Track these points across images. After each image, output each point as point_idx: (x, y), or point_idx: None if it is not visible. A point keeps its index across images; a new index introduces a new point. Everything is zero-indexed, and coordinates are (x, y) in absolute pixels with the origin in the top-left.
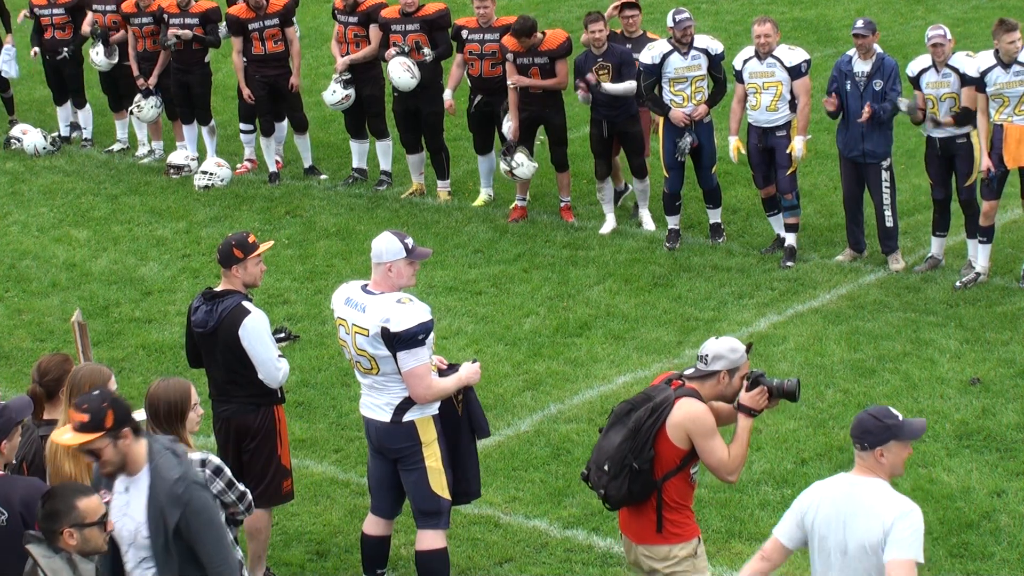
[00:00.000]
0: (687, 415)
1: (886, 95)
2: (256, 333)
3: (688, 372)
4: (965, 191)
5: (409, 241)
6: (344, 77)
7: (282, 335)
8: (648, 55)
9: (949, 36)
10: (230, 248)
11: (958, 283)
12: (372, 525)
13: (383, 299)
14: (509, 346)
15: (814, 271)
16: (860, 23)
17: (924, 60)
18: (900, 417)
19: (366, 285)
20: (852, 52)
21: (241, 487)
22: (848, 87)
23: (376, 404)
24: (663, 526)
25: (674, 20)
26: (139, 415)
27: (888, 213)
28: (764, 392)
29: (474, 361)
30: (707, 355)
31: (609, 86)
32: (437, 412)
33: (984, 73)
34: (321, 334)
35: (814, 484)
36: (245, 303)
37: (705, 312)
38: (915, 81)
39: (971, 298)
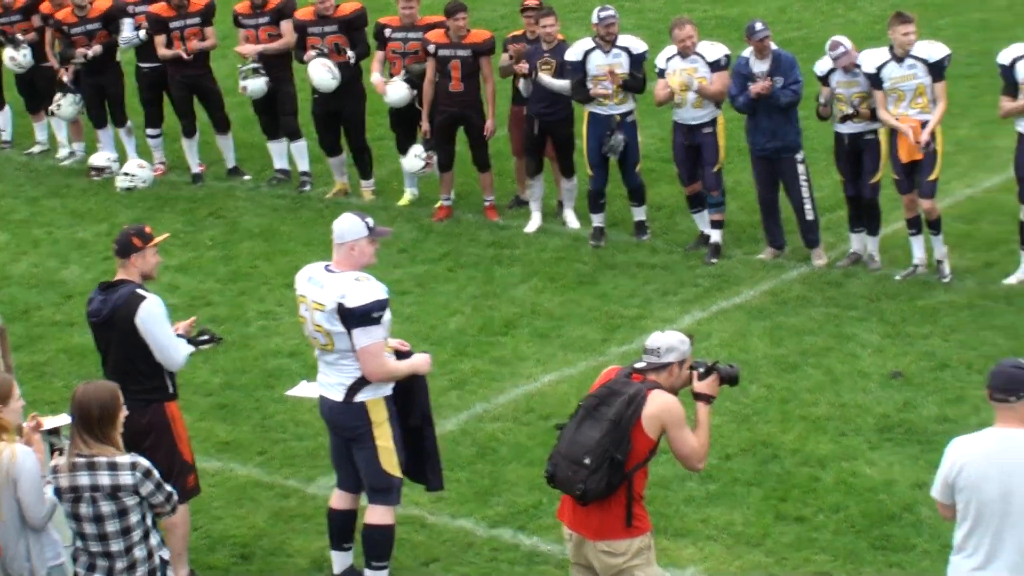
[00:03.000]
0: (662, 407)
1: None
2: (153, 317)
3: (640, 366)
4: (870, 188)
5: (370, 220)
6: (253, 65)
7: (205, 337)
8: (572, 52)
9: (849, 46)
10: (129, 238)
11: (897, 276)
12: (337, 499)
13: (342, 276)
14: (434, 345)
15: (737, 267)
16: (760, 25)
17: (829, 61)
18: None
19: (328, 265)
20: (748, 53)
21: (168, 488)
22: (750, 87)
23: (330, 383)
24: (632, 519)
25: (598, 17)
26: (61, 420)
27: (808, 207)
28: (717, 379)
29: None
30: (659, 348)
31: (546, 78)
32: (390, 394)
33: (880, 68)
34: (245, 336)
35: (955, 442)
36: (139, 290)
37: (630, 309)
38: (824, 80)
39: (892, 292)
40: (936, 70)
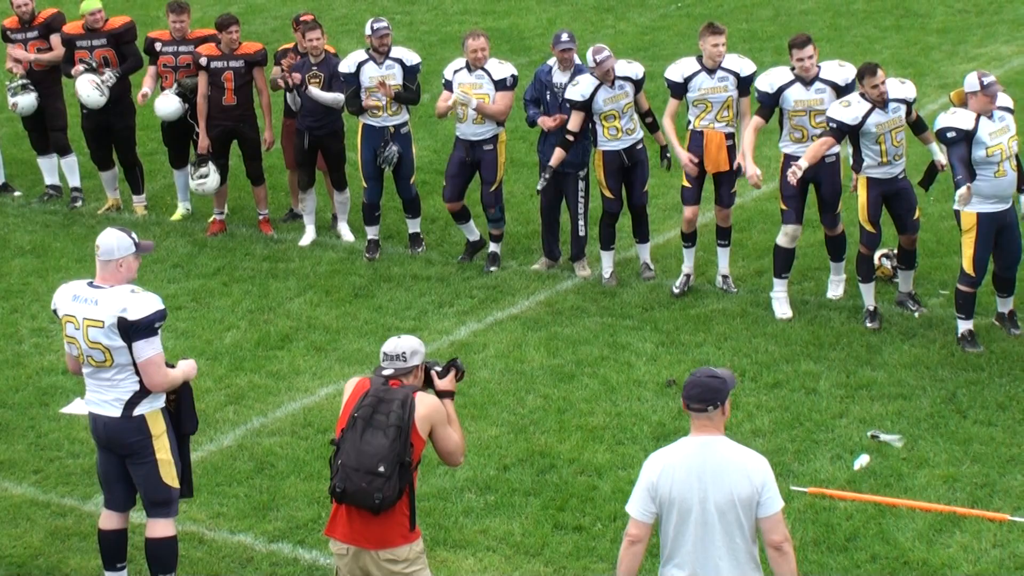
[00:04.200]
0: (431, 407)
1: None
2: None
3: (388, 372)
4: (642, 196)
5: (135, 236)
6: (22, 81)
7: None
8: (345, 64)
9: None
10: None
11: (675, 288)
12: (107, 520)
13: (116, 291)
14: (210, 360)
15: (512, 278)
16: (566, 36)
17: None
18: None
19: (91, 282)
20: (552, 63)
21: None
22: (548, 97)
23: (104, 400)
24: (414, 523)
25: (371, 28)
26: None
27: (581, 223)
28: (455, 374)
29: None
30: (405, 352)
31: (316, 91)
32: (164, 405)
33: (688, 79)
34: (18, 354)
35: (652, 456)
36: None
37: (406, 322)
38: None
39: (665, 301)
40: (745, 84)
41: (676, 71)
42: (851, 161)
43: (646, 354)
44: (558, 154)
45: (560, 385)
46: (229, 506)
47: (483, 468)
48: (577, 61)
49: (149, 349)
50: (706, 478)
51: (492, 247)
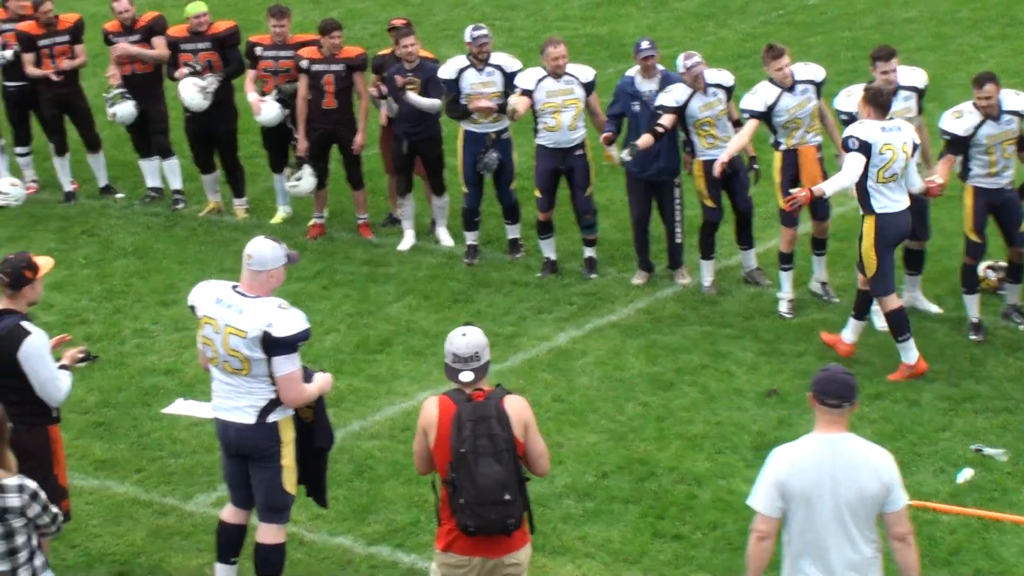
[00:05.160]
0: (521, 408)
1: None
2: (37, 354)
3: (467, 379)
4: (747, 201)
5: (285, 246)
6: (120, 90)
7: (81, 355)
8: (445, 70)
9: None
10: (20, 270)
11: (786, 315)
12: (230, 513)
13: (263, 304)
14: (310, 363)
15: (612, 285)
16: (647, 44)
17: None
18: None
19: (237, 287)
20: (633, 73)
21: (54, 509)
22: (636, 108)
23: (236, 407)
24: (533, 525)
25: (471, 36)
26: None
27: (678, 230)
28: None
29: (323, 371)
30: (477, 352)
31: (413, 96)
32: (294, 412)
33: (772, 105)
34: (121, 353)
35: (778, 451)
36: (24, 323)
37: (504, 328)
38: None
39: (766, 310)
40: (820, 88)
41: (758, 101)
42: (957, 169)
43: (746, 363)
44: (646, 139)
45: (660, 393)
46: (329, 508)
47: (582, 475)
48: (660, 68)
49: (288, 365)
50: (836, 474)
51: (588, 252)
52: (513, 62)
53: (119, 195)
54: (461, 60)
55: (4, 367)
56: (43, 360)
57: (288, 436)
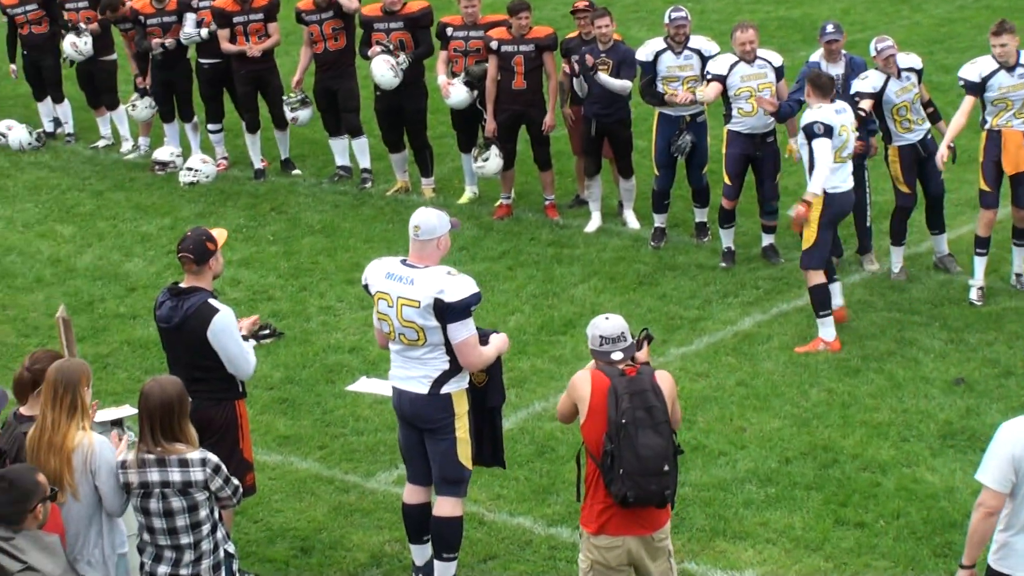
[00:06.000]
0: (669, 383)
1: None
2: (227, 331)
3: (618, 357)
4: (939, 185)
5: (447, 213)
6: (301, 96)
7: (266, 331)
8: (643, 52)
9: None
10: (203, 243)
11: (976, 302)
12: (411, 494)
13: (432, 272)
14: None
15: (797, 271)
16: (831, 27)
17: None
18: None
19: (405, 260)
20: (818, 57)
21: (235, 481)
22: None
23: (412, 377)
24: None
25: (669, 18)
26: (123, 412)
27: (869, 213)
28: (648, 343)
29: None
30: (622, 332)
31: (604, 77)
32: (468, 385)
33: (986, 78)
34: (306, 331)
35: (1006, 426)
36: (211, 300)
37: (690, 311)
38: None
39: (955, 298)
40: None
41: (973, 70)
42: None
43: (934, 351)
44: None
45: (845, 379)
46: (509, 488)
47: (765, 460)
48: (843, 51)
49: (464, 331)
50: None
51: (767, 239)
52: (711, 45)
53: (296, 172)
54: (658, 42)
55: (195, 345)
56: (232, 336)
57: (462, 408)
